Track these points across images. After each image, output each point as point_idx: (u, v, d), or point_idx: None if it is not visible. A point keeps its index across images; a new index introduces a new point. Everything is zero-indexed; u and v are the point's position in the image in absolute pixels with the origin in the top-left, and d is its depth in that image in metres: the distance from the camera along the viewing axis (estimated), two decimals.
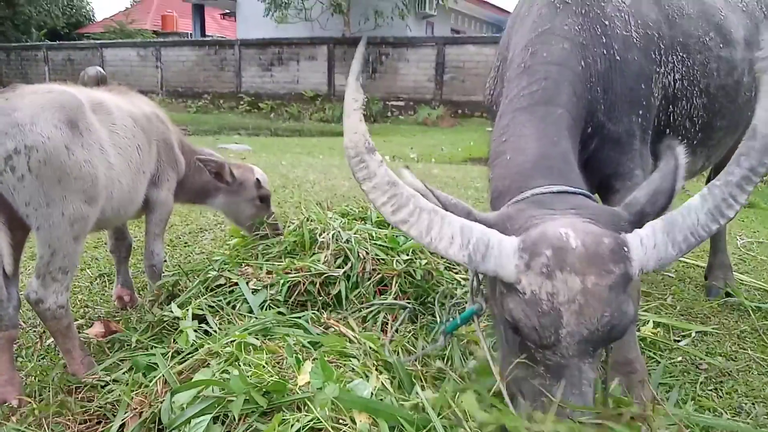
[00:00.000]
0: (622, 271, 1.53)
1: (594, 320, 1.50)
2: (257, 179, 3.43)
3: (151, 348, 2.46)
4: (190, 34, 32.94)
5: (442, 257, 3.43)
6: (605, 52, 2.16)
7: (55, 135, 2.15)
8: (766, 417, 2.37)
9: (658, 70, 2.29)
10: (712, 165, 3.12)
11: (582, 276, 1.50)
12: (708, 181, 3.63)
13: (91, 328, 2.81)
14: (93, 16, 39.68)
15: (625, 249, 1.54)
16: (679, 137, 2.46)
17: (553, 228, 1.57)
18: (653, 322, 2.96)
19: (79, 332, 2.63)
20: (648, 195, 1.72)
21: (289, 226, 3.50)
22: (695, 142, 2.58)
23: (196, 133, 14.85)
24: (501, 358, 1.86)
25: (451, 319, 2.36)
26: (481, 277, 1.91)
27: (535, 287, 1.52)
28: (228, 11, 29.83)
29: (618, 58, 2.19)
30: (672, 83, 2.36)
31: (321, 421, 1.69)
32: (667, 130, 2.41)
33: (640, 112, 2.25)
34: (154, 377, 2.13)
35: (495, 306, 1.79)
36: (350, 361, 2.16)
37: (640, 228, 1.59)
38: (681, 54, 2.37)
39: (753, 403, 2.45)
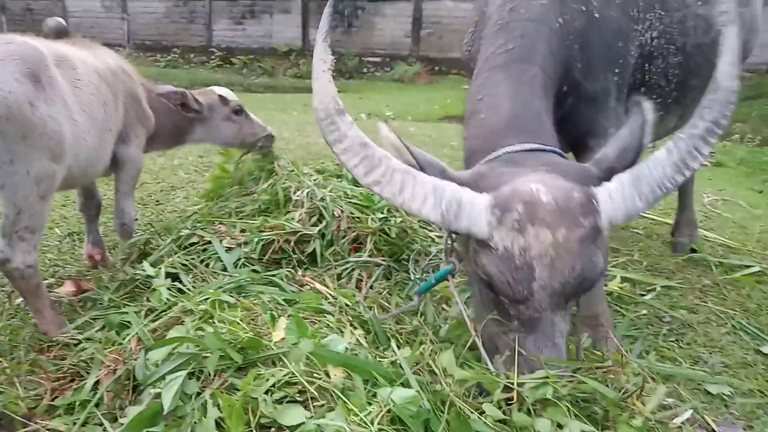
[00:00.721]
0: (592, 224, 1.56)
1: (565, 273, 1.54)
2: (219, 95, 3.37)
3: (124, 306, 2.44)
4: None
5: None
6: (584, 8, 2.14)
7: (17, 89, 2.06)
8: (721, 365, 2.49)
9: (635, 27, 2.28)
10: (684, 124, 3.16)
11: (553, 230, 1.53)
12: None
13: (62, 287, 2.77)
14: None
15: (594, 202, 1.58)
16: (654, 96, 2.47)
17: (524, 184, 1.59)
18: (620, 277, 3.06)
19: (49, 292, 2.60)
20: (617, 151, 1.74)
21: (262, 185, 3.46)
22: (669, 101, 2.59)
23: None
24: (475, 315, 1.90)
25: (425, 278, 2.40)
26: (454, 236, 1.93)
27: (508, 242, 1.55)
28: None
29: (596, 15, 2.16)
30: (649, 41, 2.35)
31: (296, 376, 1.72)
32: (642, 88, 2.42)
33: (617, 70, 2.25)
34: (128, 335, 2.13)
35: (469, 264, 1.81)
36: (325, 317, 2.19)
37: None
38: (659, 11, 2.35)
39: (710, 353, 2.57)
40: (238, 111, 3.41)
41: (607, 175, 1.68)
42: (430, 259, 2.92)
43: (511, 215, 1.55)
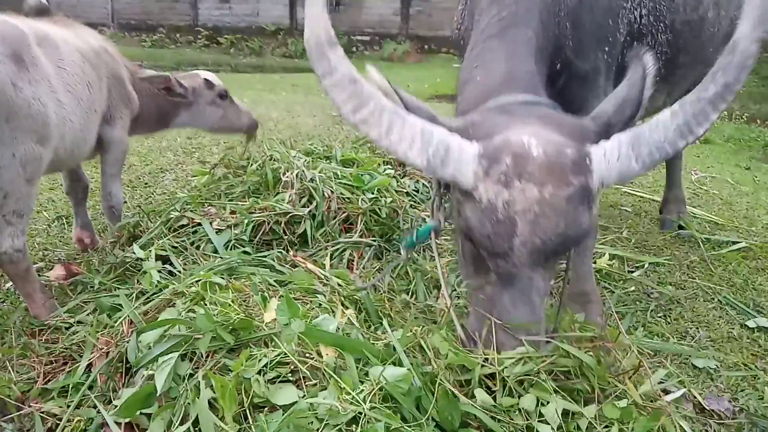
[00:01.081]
0: (582, 183, 1.52)
1: (548, 231, 1.50)
2: (205, 79, 3.33)
3: (115, 289, 2.44)
4: None
5: (407, 195, 3.47)
6: None
7: None
8: (708, 339, 2.54)
9: (624, 5, 2.26)
10: (671, 102, 3.16)
11: (540, 186, 1.49)
12: None
13: (51, 270, 2.76)
14: None
15: (587, 160, 1.53)
16: None
17: (516, 136, 1.55)
18: (609, 254, 3.09)
19: (39, 275, 2.59)
20: (615, 105, 1.68)
21: (251, 166, 3.44)
22: (657, 78, 2.59)
23: (153, 69, 14.15)
24: (461, 271, 1.87)
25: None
26: (443, 191, 1.90)
27: (492, 195, 1.51)
28: None
29: None
30: (638, 19, 2.33)
31: (288, 356, 1.73)
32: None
33: (606, 48, 2.24)
34: (119, 318, 2.13)
35: (454, 216, 1.78)
36: (317, 297, 2.19)
37: (606, 139, 1.57)
38: None
39: (697, 328, 2.62)
40: (223, 95, 3.38)
41: (604, 129, 1.64)
42: (420, 218, 2.93)
43: (498, 167, 1.50)
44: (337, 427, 1.47)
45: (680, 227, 3.58)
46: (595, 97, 2.25)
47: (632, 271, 3.04)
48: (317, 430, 1.48)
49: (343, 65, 1.58)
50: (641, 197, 4.23)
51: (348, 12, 19.08)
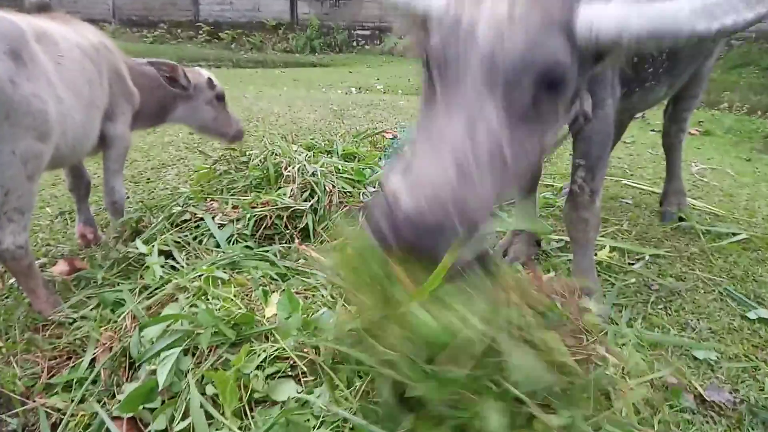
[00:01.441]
0: (564, 13, 1.43)
1: (510, 47, 1.38)
2: (209, 78, 3.35)
3: (118, 284, 2.46)
4: None
5: None
6: None
7: None
8: (708, 331, 2.55)
9: None
10: (672, 93, 3.15)
11: (512, 6, 1.41)
12: (665, 112, 3.68)
13: (55, 266, 2.77)
14: None
15: None
16: (646, 66, 2.45)
17: None
18: (609, 246, 3.09)
19: (42, 271, 2.60)
20: None
21: (253, 160, 3.45)
22: (661, 71, 2.57)
23: None
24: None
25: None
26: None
27: (460, 10, 1.45)
28: None
29: None
30: None
31: (287, 351, 1.74)
32: (635, 59, 2.38)
33: None
34: (123, 313, 2.15)
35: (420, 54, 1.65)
36: (318, 291, 2.21)
37: None
38: None
39: (698, 320, 2.62)
40: (221, 98, 3.42)
41: None
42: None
43: None
44: (334, 424, 1.48)
45: (680, 219, 3.58)
46: (602, 89, 2.23)
47: (633, 263, 3.05)
48: (314, 427, 1.49)
49: None
50: (641, 189, 4.23)
51: (348, 6, 19.03)
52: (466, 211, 1.26)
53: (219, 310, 1.92)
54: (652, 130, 6.31)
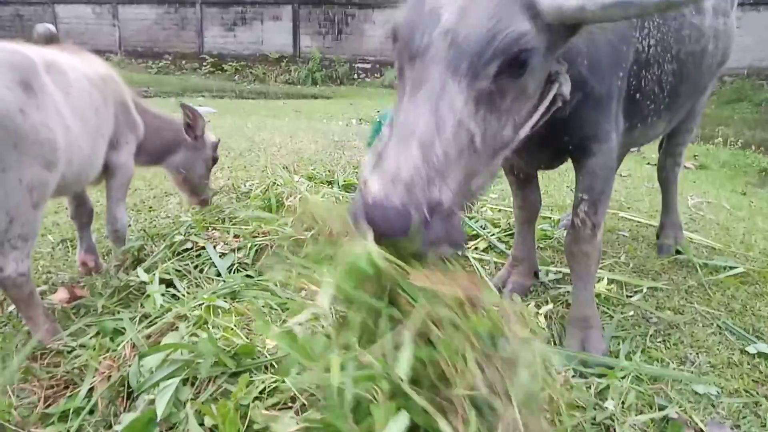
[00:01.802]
0: None
1: (473, 24, 1.41)
2: (217, 140, 3.43)
3: (118, 313, 2.46)
4: None
5: None
6: None
7: (7, 97, 2.07)
8: (708, 365, 2.54)
9: (634, 34, 2.26)
10: (670, 128, 3.21)
11: None
12: (660, 147, 3.74)
13: (55, 294, 2.78)
14: None
15: None
16: (648, 102, 2.48)
17: None
18: (607, 279, 3.10)
19: (42, 298, 2.61)
20: None
21: (255, 190, 3.49)
22: (662, 107, 2.61)
23: (158, 95, 14.36)
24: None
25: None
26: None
27: None
28: None
29: None
30: (646, 48, 2.33)
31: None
32: (638, 95, 2.41)
33: (621, 74, 2.23)
34: (122, 341, 2.15)
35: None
36: (319, 321, 2.21)
37: None
38: (657, 20, 2.34)
39: (697, 354, 2.62)
40: (215, 161, 3.56)
41: None
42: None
43: None
44: None
45: (678, 252, 3.60)
46: (608, 123, 2.25)
47: (631, 296, 3.06)
48: None
49: None
50: (638, 222, 4.26)
51: (350, 40, 19.43)
52: (432, 190, 1.29)
53: (219, 339, 1.92)
54: (648, 164, 6.39)
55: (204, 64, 20.61)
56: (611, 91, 2.20)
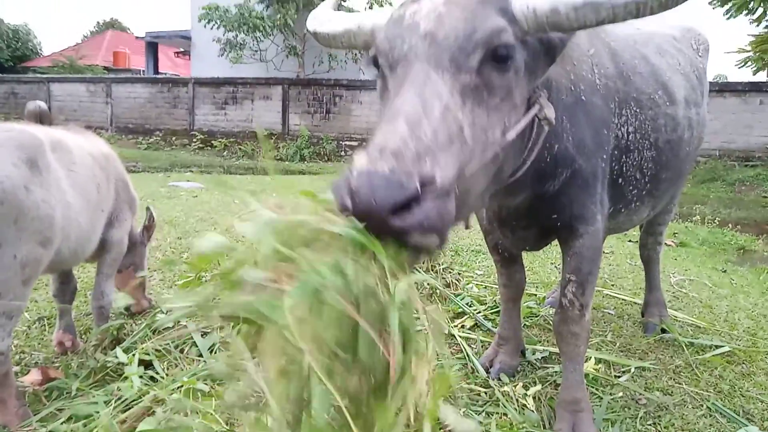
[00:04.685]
0: None
1: (451, 24, 1.48)
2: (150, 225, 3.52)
3: (93, 396, 2.37)
4: (143, 71, 32.60)
5: None
6: (572, 87, 2.14)
7: (13, 174, 2.13)
8: None
9: (613, 120, 2.34)
10: (654, 214, 3.27)
11: None
12: (641, 226, 3.82)
13: (27, 375, 2.68)
14: (40, 50, 38.69)
15: None
16: (630, 187, 2.56)
17: None
18: (595, 358, 3.08)
19: None
20: None
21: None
22: (644, 192, 2.69)
23: (147, 170, 14.53)
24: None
25: None
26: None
27: (401, 11, 1.58)
28: (182, 50, 29.76)
29: (583, 98, 2.17)
30: (626, 135, 2.42)
31: None
32: (620, 179, 2.48)
33: (604, 156, 2.30)
34: (95, 427, 2.06)
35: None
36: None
37: None
38: (635, 108, 2.44)
39: None
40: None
41: None
42: None
43: None
44: None
45: (663, 330, 3.61)
46: (593, 204, 2.29)
47: (619, 376, 3.02)
48: None
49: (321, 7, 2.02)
50: (623, 300, 4.28)
51: (337, 119, 20.08)
52: (423, 164, 1.21)
53: (198, 425, 1.86)
54: (630, 240, 6.50)
55: (194, 140, 21.03)
56: (596, 172, 2.26)
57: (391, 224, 1.12)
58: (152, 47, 30.02)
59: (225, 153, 19.99)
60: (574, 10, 1.50)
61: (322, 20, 1.96)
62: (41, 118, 11.00)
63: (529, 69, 1.66)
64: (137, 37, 33.58)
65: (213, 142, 20.69)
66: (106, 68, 32.65)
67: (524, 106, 1.70)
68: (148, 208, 3.34)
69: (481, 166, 1.46)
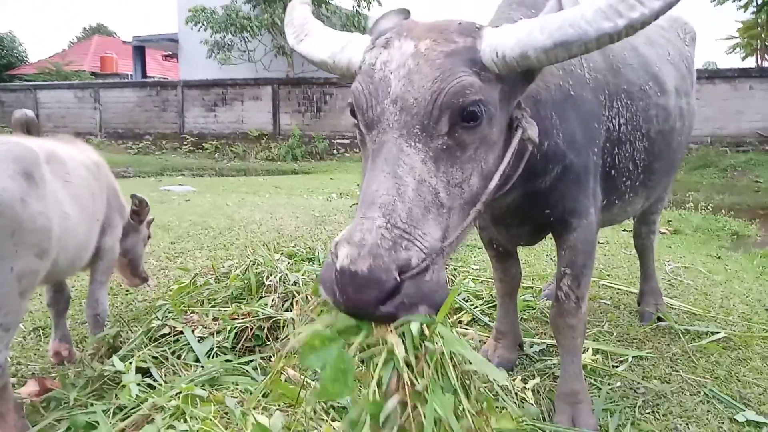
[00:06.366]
0: (468, 43, 1.53)
1: (420, 86, 1.46)
2: (152, 218, 3.44)
3: (91, 405, 2.36)
4: (131, 75, 32.42)
5: None
6: (561, 84, 2.13)
7: (10, 186, 2.11)
8: None
9: (604, 113, 2.34)
10: (648, 205, 3.28)
11: (417, 41, 1.51)
12: (634, 217, 3.83)
13: (24, 386, 2.66)
14: (26, 57, 38.29)
15: (477, 27, 1.57)
16: (623, 179, 2.56)
17: (409, 21, 1.67)
18: (592, 349, 3.09)
19: None
20: None
21: (234, 271, 3.47)
22: (637, 183, 2.69)
23: (138, 175, 14.47)
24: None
25: None
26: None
27: (373, 58, 1.56)
28: (170, 53, 29.61)
29: (573, 93, 2.16)
30: (617, 127, 2.42)
31: None
32: (613, 171, 2.48)
33: (595, 150, 2.30)
34: None
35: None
36: (302, 407, 2.14)
37: None
38: (625, 100, 2.44)
39: (687, 424, 2.58)
40: (149, 237, 3.51)
41: None
42: None
43: (383, 37, 1.58)
44: None
45: (659, 319, 3.63)
46: (586, 198, 2.29)
47: (617, 366, 3.04)
48: None
49: (297, 11, 1.94)
50: (619, 289, 4.30)
51: (328, 117, 20.03)
52: (399, 252, 1.31)
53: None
54: (624, 230, 6.53)
55: (184, 143, 20.94)
56: (588, 166, 2.26)
57: (380, 313, 1.27)
58: (140, 51, 29.87)
59: (216, 155, 19.90)
60: (545, 52, 1.49)
61: (298, 34, 1.91)
62: (28, 127, 10.93)
63: (506, 97, 1.66)
64: (124, 42, 33.46)
65: (204, 144, 20.60)
66: (93, 74, 32.43)
67: (504, 135, 1.70)
68: (133, 196, 3.25)
69: (465, 216, 1.53)
